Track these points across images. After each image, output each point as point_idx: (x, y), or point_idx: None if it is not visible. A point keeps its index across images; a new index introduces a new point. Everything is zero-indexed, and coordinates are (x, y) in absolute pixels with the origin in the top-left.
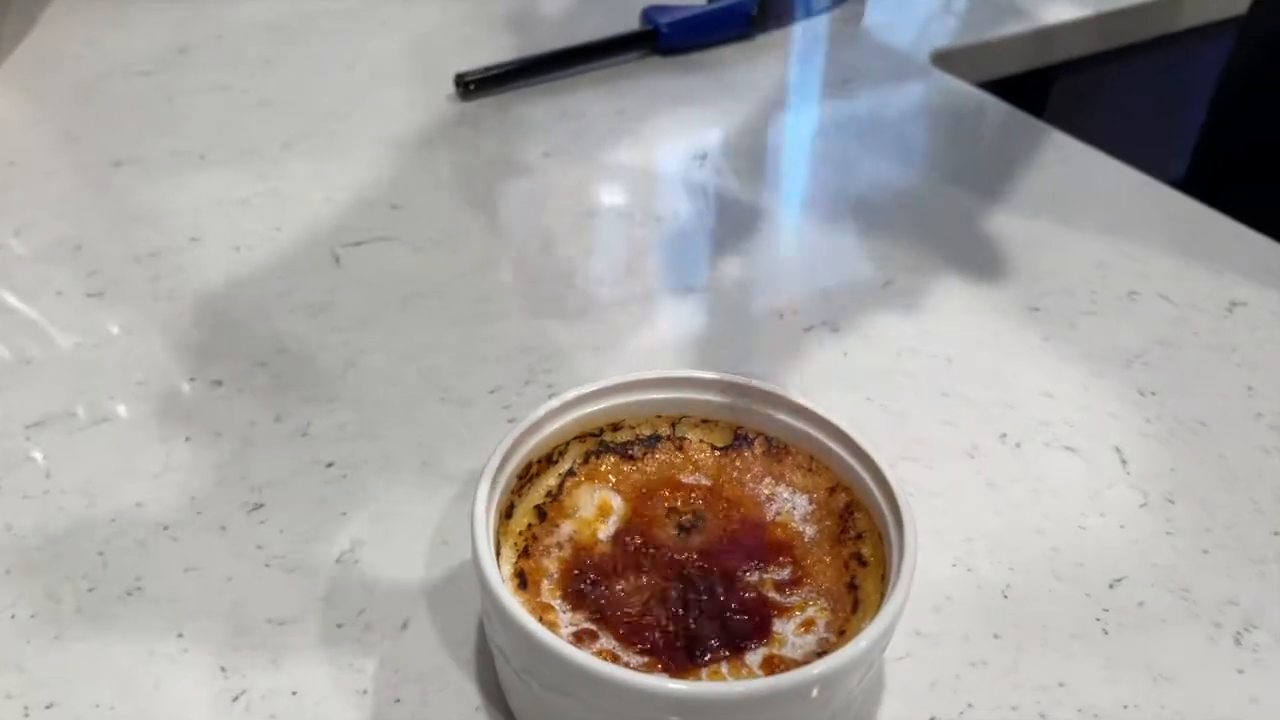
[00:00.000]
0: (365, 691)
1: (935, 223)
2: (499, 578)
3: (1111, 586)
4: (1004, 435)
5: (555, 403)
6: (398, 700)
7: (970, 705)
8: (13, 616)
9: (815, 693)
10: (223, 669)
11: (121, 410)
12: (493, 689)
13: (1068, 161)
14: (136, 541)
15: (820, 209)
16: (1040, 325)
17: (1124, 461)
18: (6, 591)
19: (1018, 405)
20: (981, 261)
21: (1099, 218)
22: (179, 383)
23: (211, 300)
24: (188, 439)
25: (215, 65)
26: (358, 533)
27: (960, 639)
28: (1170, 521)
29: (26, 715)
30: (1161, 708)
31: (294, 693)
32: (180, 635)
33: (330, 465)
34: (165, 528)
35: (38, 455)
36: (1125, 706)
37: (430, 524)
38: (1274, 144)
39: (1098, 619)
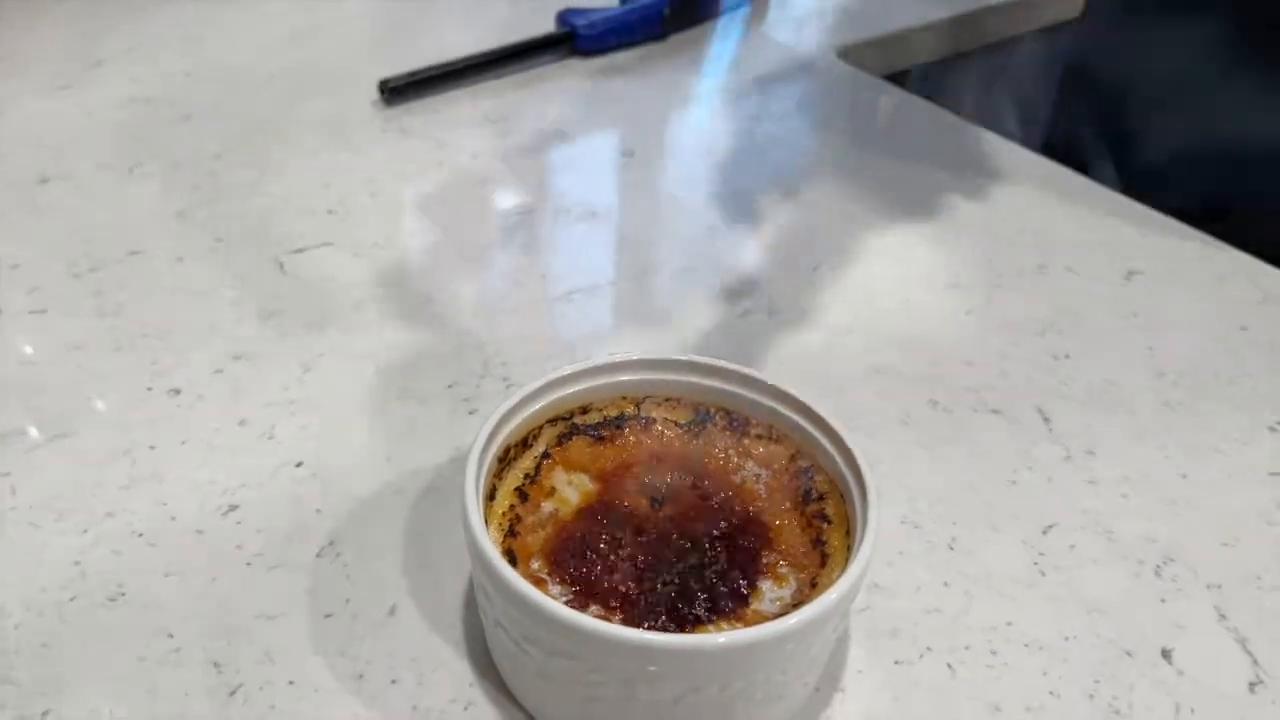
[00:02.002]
0: (361, 676)
1: (853, 208)
2: (496, 553)
3: (1044, 533)
4: (935, 402)
5: (527, 390)
6: (394, 681)
7: (929, 649)
8: None
9: (800, 641)
10: (216, 665)
11: (79, 424)
12: (485, 665)
13: (967, 145)
14: (113, 551)
15: (746, 199)
16: (960, 300)
17: (1045, 420)
18: None
19: (944, 375)
20: (900, 243)
21: (1001, 197)
22: (135, 393)
23: (159, 311)
24: (152, 448)
25: (133, 79)
26: (334, 528)
27: (914, 589)
28: (1091, 471)
29: None
30: (1097, 636)
31: (291, 682)
32: (170, 636)
33: (300, 465)
34: (140, 535)
35: None
36: (1066, 638)
37: (403, 516)
38: (1108, 133)
39: (1035, 563)
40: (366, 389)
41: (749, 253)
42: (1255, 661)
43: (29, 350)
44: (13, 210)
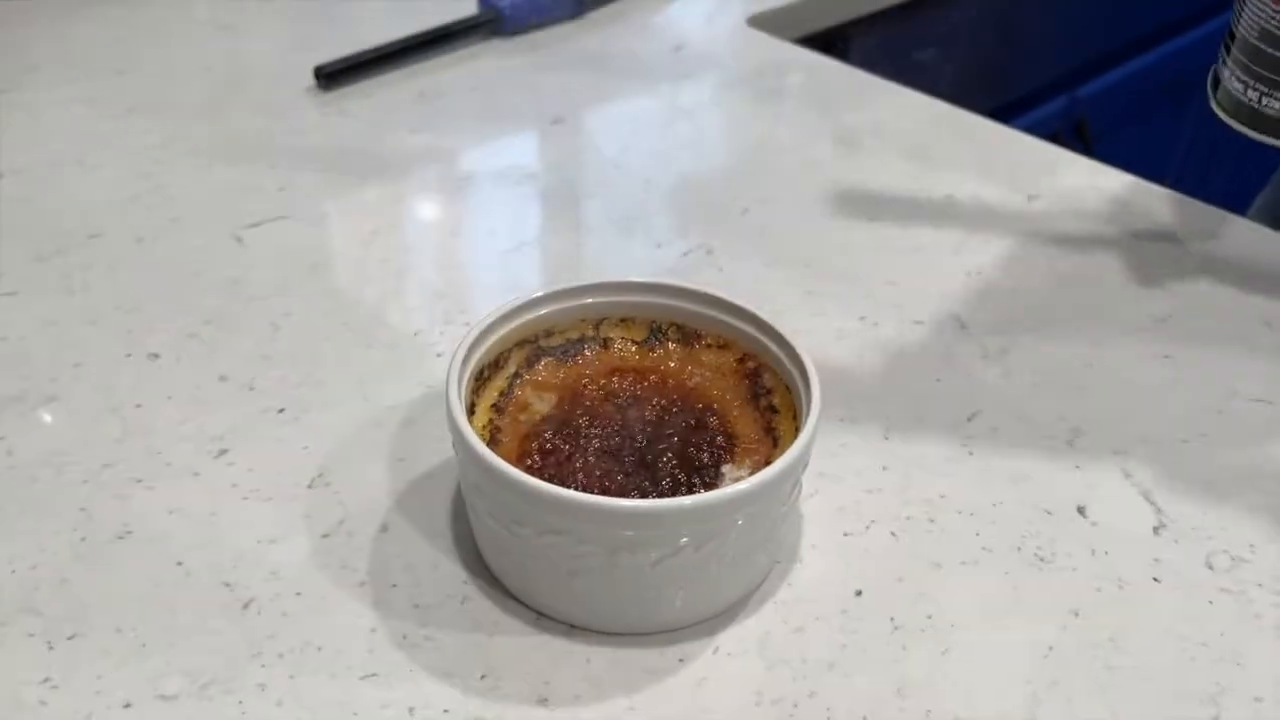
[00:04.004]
0: (363, 583)
1: (775, 160)
2: (484, 445)
3: (970, 420)
4: (863, 318)
5: (497, 314)
6: (394, 585)
7: (873, 521)
8: (13, 571)
9: (761, 501)
10: (227, 584)
11: (67, 389)
12: (477, 565)
13: (877, 99)
14: (115, 495)
15: (674, 156)
16: (879, 230)
17: (963, 326)
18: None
19: (871, 294)
20: (821, 187)
21: (912, 142)
22: (117, 360)
23: (127, 287)
24: (138, 405)
25: (71, 80)
26: (322, 462)
27: (855, 474)
28: (1006, 365)
29: (51, 649)
30: (1021, 501)
31: (298, 593)
32: (180, 564)
33: (282, 410)
34: (139, 481)
35: None
36: (994, 504)
37: (385, 446)
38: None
39: (963, 444)
40: (336, 340)
41: (680, 202)
42: (1158, 509)
43: (6, 329)
44: None
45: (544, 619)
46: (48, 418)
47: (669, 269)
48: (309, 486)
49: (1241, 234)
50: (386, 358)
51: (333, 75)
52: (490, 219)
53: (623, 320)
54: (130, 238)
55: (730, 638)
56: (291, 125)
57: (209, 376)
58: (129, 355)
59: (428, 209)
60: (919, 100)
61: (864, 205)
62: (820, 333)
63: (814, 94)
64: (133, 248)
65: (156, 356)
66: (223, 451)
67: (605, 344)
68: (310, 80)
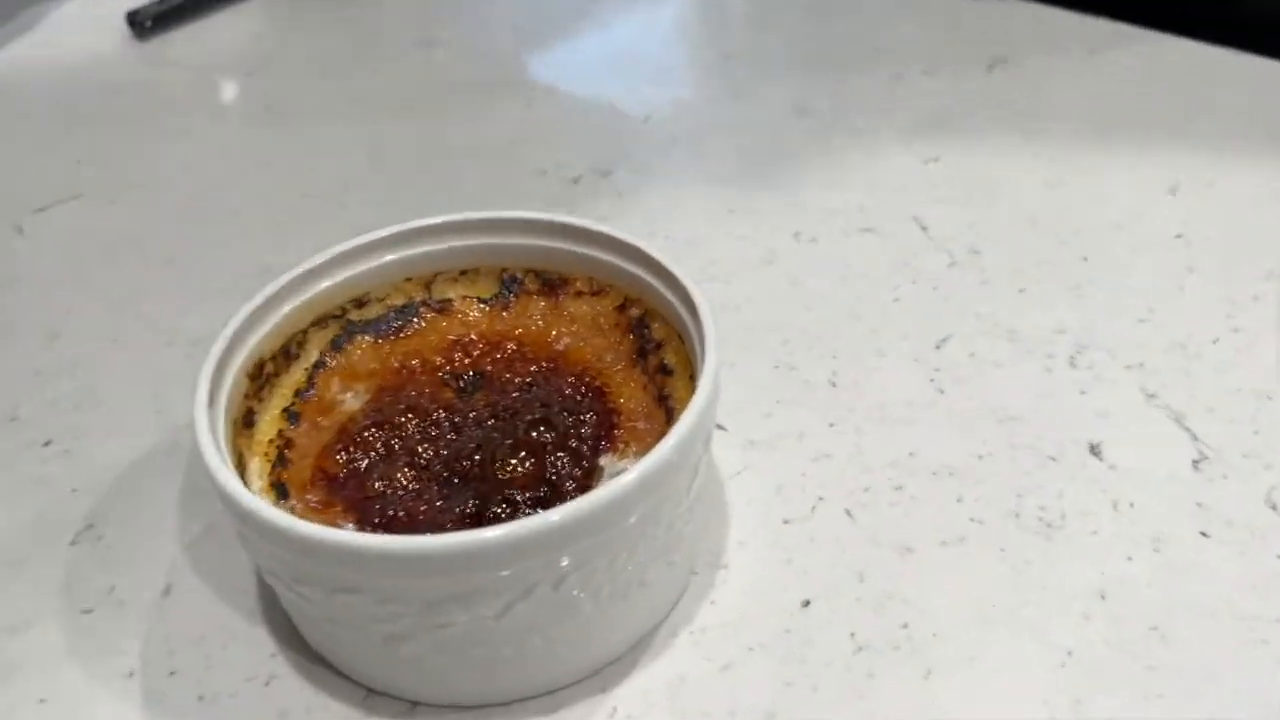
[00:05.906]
0: (131, 674)
1: (685, 55)
2: (239, 485)
3: (938, 347)
4: (798, 234)
5: (277, 284)
6: (172, 673)
7: (821, 499)
8: None
9: (639, 508)
10: None
11: None
12: (286, 633)
13: None
14: None
15: (567, 65)
16: (810, 124)
17: (924, 228)
18: None
19: (806, 204)
20: (738, 80)
21: (848, 13)
22: None
23: None
24: None
25: None
26: (94, 506)
27: (796, 438)
28: (982, 272)
29: None
30: (1013, 446)
31: (42, 700)
32: None
33: (48, 444)
34: None
35: None
36: (979, 456)
37: (178, 477)
38: None
39: (931, 380)
40: (127, 342)
41: (572, 118)
42: (1194, 436)
43: None
44: None
45: (375, 696)
46: None
47: (553, 201)
48: (73, 543)
49: (1266, 78)
50: (191, 355)
51: (154, 20)
52: (332, 164)
53: (463, 273)
54: None
55: (631, 691)
56: (101, 85)
57: None
58: None
59: (257, 160)
60: None
61: (791, 95)
62: (746, 257)
63: None
64: None
65: None
66: None
67: (442, 308)
68: (124, 29)
